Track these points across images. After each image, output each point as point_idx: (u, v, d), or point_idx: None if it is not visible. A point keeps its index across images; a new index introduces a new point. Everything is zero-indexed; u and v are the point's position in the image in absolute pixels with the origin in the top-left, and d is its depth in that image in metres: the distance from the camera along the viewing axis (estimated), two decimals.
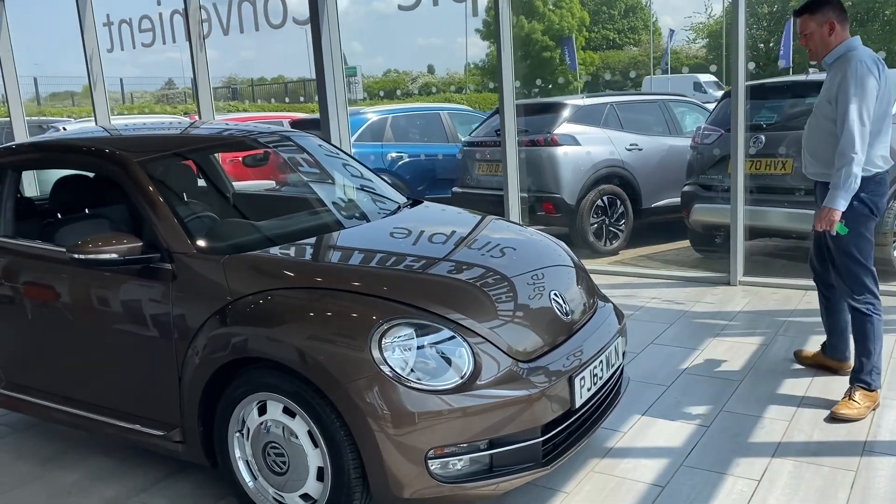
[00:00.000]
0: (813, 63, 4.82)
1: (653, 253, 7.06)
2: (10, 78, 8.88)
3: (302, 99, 21.89)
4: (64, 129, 9.79)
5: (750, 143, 5.76)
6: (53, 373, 3.28)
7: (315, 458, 2.53)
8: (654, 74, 26.97)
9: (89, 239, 2.81)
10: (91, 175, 3.62)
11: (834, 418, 3.28)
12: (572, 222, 6.86)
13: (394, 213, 3.59)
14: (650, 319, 4.82)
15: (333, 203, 3.81)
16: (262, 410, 2.62)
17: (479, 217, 3.66)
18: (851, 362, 3.54)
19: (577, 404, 2.69)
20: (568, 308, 2.90)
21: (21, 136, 8.97)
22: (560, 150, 6.81)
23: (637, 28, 39.48)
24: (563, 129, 6.91)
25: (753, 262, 5.88)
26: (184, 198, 3.38)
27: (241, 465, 2.73)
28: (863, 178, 3.18)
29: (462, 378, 2.47)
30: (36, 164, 4.31)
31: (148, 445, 3.00)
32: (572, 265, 3.29)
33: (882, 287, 3.48)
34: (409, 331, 2.48)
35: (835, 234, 3.24)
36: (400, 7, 6.44)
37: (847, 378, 3.47)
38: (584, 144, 6.89)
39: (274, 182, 8.07)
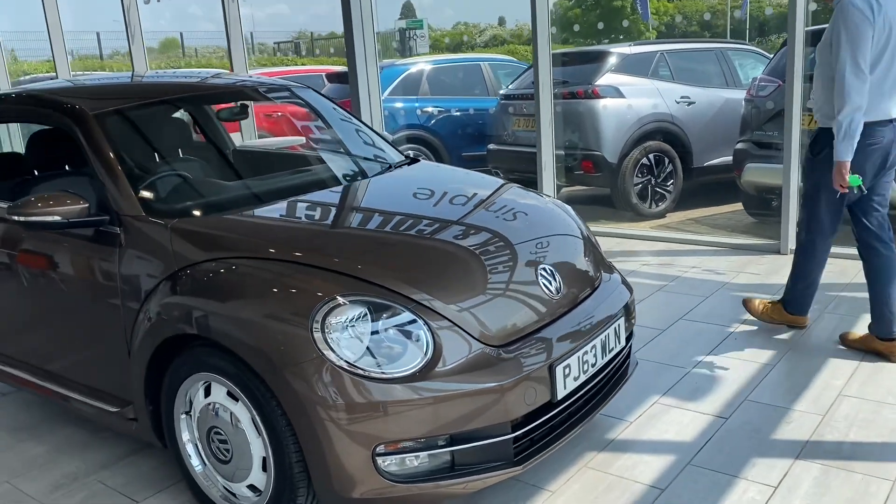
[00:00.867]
0: None
1: (702, 216, 6.54)
2: (55, 33, 8.83)
3: None
4: None
5: (809, 95, 5.16)
6: (18, 341, 3.12)
7: (258, 447, 2.27)
8: (730, 24, 25.56)
9: (32, 199, 2.58)
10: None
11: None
12: (614, 182, 6.39)
13: (381, 173, 3.26)
14: (685, 291, 4.39)
15: (316, 162, 3.51)
16: (209, 391, 2.38)
17: (477, 178, 3.30)
18: None
19: (559, 396, 2.35)
20: (558, 285, 2.54)
21: None
22: (601, 103, 6.31)
23: None
24: (605, 79, 6.40)
25: None
26: (150, 155, 3.13)
27: (190, 449, 2.50)
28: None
29: (419, 365, 2.15)
30: None
31: (104, 422, 2.81)
32: (574, 234, 2.91)
33: None
34: (361, 310, 2.17)
35: (847, 189, 3.11)
36: None
37: None
38: (629, 97, 6.37)
39: (298, 138, 7.85)
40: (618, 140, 6.30)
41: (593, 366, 2.50)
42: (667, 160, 6.50)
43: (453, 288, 2.33)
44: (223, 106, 3.67)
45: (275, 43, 28.65)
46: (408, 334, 2.19)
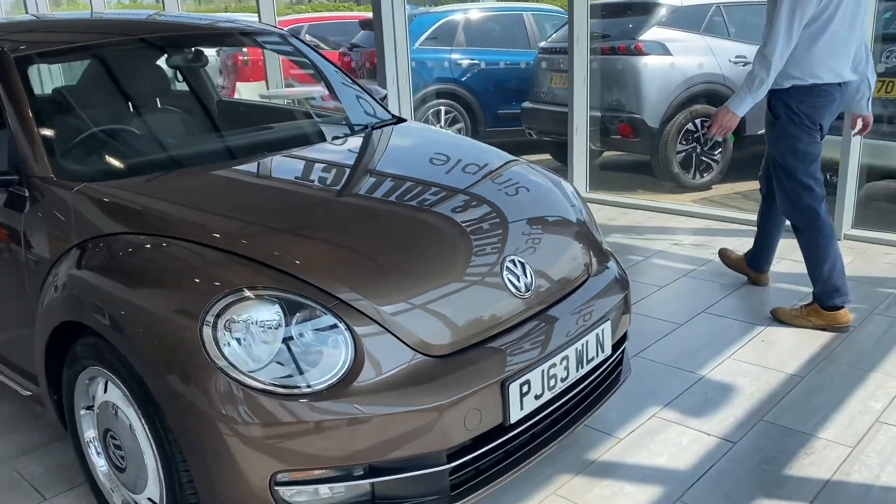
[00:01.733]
0: None
1: (752, 190, 5.90)
2: None
3: None
4: None
5: (881, 57, 4.52)
6: None
7: (151, 458, 1.93)
8: None
9: None
10: None
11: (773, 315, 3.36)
12: (654, 149, 5.81)
13: (352, 135, 2.84)
14: (714, 279, 3.88)
15: (276, 120, 3.10)
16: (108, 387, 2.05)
17: (462, 147, 2.86)
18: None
19: (513, 419, 1.94)
20: (529, 281, 2.10)
21: None
22: (644, 61, 5.70)
23: None
24: (651, 34, 5.77)
25: (869, 212, 4.71)
26: (90, 107, 2.76)
27: (93, 448, 2.19)
28: (797, 88, 3.03)
29: (334, 379, 1.77)
30: None
31: (25, 404, 2.53)
32: (564, 218, 2.45)
33: None
34: (270, 309, 1.78)
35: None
36: None
37: None
38: (677, 54, 5.74)
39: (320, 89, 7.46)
40: (660, 102, 5.70)
41: (563, 381, 2.08)
42: None
43: (391, 284, 1.92)
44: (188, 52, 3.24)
45: None
46: (326, 340, 1.80)
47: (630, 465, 2.40)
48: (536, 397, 1.99)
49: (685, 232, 4.70)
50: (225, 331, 1.75)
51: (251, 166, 2.48)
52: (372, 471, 1.80)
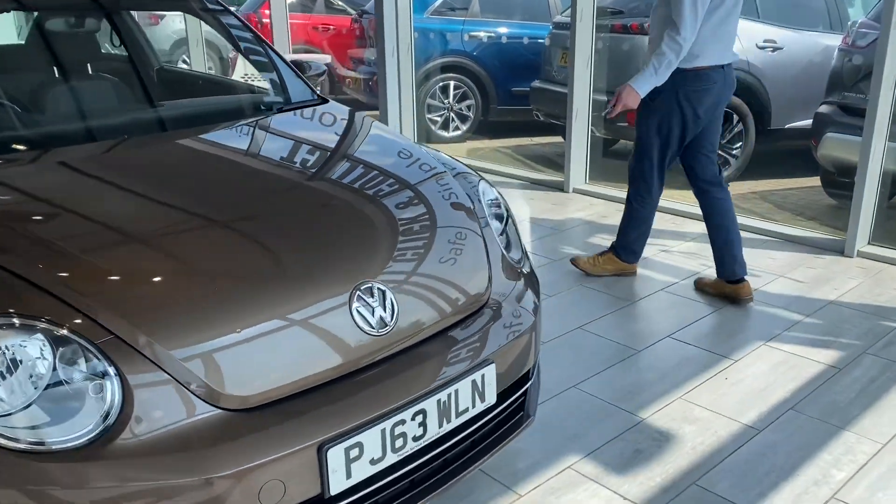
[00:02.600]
0: None
1: (771, 190, 5.37)
2: None
3: None
4: None
5: None
6: None
7: None
8: None
9: None
10: None
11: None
12: None
13: (241, 120, 2.49)
14: (693, 297, 3.43)
15: (182, 94, 2.75)
16: None
17: (355, 138, 2.48)
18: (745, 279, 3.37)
19: (336, 489, 1.58)
20: (388, 315, 1.73)
21: None
22: None
23: None
24: None
25: (890, 226, 4.17)
26: None
27: None
28: (681, 71, 3.04)
29: (90, 435, 1.43)
30: None
31: None
32: (458, 228, 2.05)
33: None
34: (21, 340, 1.45)
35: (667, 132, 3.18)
36: None
37: None
38: None
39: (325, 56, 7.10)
40: None
41: (418, 440, 1.71)
42: (735, 118, 5.33)
43: (189, 316, 1.56)
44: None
45: None
46: (85, 385, 1.45)
47: None
48: (373, 462, 1.62)
49: (681, 236, 4.23)
50: None
51: (84, 150, 2.14)
52: None
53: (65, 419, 1.44)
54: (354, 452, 1.58)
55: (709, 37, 3.01)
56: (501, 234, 2.21)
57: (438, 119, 6.98)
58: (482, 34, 6.97)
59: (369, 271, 1.76)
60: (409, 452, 1.70)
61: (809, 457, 2.29)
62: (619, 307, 3.32)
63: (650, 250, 3.98)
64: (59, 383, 1.45)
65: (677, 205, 4.65)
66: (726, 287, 3.35)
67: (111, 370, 1.45)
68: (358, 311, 1.69)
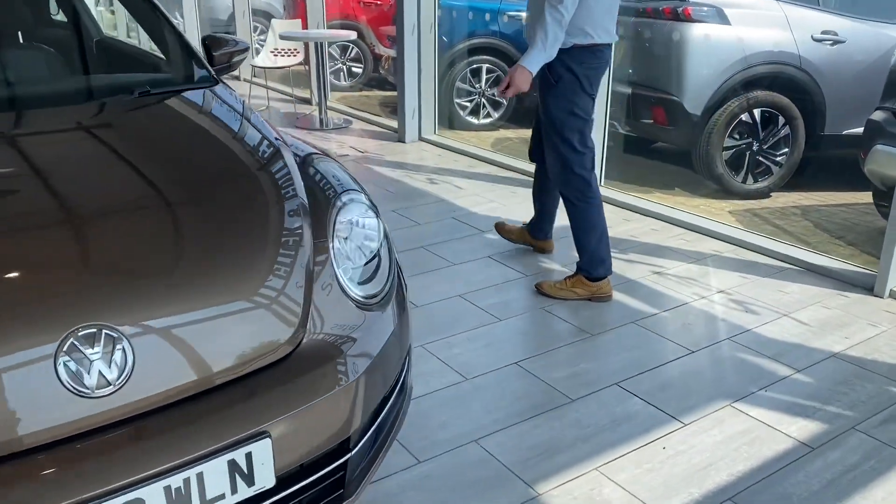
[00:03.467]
0: None
1: (816, 205, 4.69)
2: None
3: None
4: None
5: None
6: None
7: None
8: None
9: None
10: None
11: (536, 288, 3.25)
12: (693, 141, 4.69)
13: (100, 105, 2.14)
14: (665, 331, 2.91)
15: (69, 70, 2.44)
16: None
17: (202, 122, 2.10)
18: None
19: None
20: (117, 369, 1.35)
21: None
22: (691, 29, 4.54)
23: None
24: None
25: None
26: None
27: None
28: (579, 48, 2.91)
29: None
30: None
31: None
32: (264, 247, 1.64)
33: None
34: None
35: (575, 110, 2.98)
36: None
37: None
38: (737, 24, 4.54)
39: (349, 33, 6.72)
40: (707, 84, 4.54)
41: None
42: (781, 120, 4.66)
43: None
44: None
45: None
46: None
47: None
48: None
49: (684, 257, 3.66)
50: None
51: None
52: None
53: None
54: None
55: (602, 15, 2.91)
56: (360, 267, 1.80)
57: (468, 104, 6.53)
58: (518, 14, 6.45)
59: (102, 310, 1.39)
60: None
61: None
62: (574, 340, 2.84)
63: (638, 270, 3.45)
64: None
65: (694, 218, 4.07)
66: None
67: None
68: (66, 364, 1.32)
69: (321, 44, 6.33)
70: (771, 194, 4.81)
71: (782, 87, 4.59)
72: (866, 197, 4.44)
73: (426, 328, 2.92)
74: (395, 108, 6.23)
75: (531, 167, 4.96)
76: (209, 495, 1.40)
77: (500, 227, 3.73)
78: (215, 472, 1.39)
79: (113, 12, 10.13)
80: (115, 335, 1.36)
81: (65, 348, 1.32)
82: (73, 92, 2.33)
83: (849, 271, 3.43)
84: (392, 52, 7.34)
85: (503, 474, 2.11)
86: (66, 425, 1.31)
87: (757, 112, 4.60)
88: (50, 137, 1.97)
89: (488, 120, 6.60)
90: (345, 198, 1.92)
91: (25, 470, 1.26)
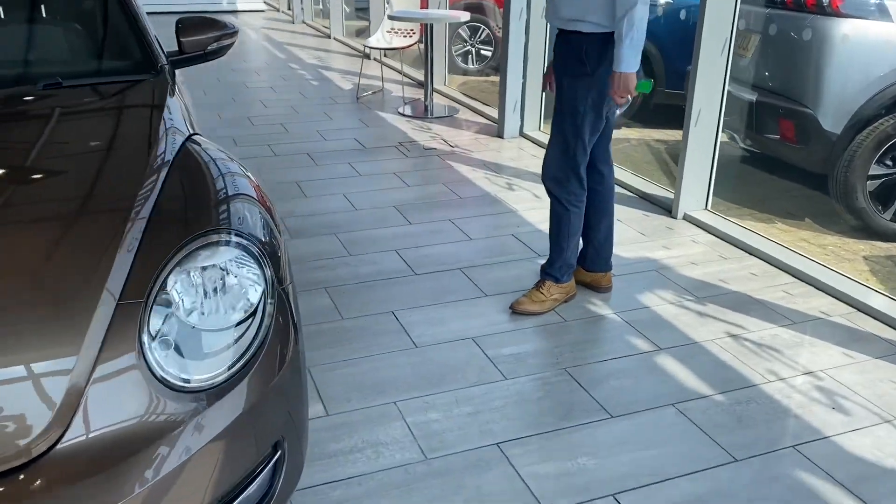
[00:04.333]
0: None
1: None
2: None
3: None
4: None
5: None
6: None
7: None
8: None
9: None
10: None
11: (515, 311, 2.85)
12: (829, 165, 3.80)
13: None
14: (722, 426, 2.24)
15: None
16: None
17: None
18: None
19: None
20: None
21: None
22: (841, 26, 3.64)
23: None
24: None
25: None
26: None
27: None
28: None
29: None
30: None
31: None
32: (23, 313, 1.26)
33: None
34: None
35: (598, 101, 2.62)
36: None
37: None
38: None
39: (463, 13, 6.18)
40: (852, 96, 3.64)
41: None
42: None
43: None
44: None
45: None
46: None
47: None
48: None
49: (778, 317, 2.90)
50: None
51: None
52: None
53: None
54: None
55: None
56: (196, 338, 1.38)
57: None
58: (659, 2, 5.67)
59: None
60: None
61: None
62: (585, 422, 2.25)
63: (708, 329, 2.76)
64: None
65: (809, 265, 3.26)
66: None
67: None
68: None
69: (431, 25, 5.90)
70: None
71: None
72: None
73: (410, 378, 2.45)
74: None
75: (637, 181, 4.30)
76: None
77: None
78: None
79: None
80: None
81: None
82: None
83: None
84: None
85: None
86: None
87: None
88: None
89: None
90: (202, 241, 1.48)
91: None
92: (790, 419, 2.29)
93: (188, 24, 2.33)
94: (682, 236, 3.61)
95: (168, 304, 1.38)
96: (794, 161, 4.08)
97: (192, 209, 1.56)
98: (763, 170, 4.75)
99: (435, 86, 6.57)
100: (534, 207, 3.94)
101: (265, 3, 13.41)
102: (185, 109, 2.07)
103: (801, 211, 4.19)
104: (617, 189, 4.20)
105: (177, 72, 2.29)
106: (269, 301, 1.51)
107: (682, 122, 3.67)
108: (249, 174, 1.87)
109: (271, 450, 1.49)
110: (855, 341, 2.73)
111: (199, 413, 1.32)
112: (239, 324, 1.45)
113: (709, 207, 3.83)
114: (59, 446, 1.20)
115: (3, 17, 2.51)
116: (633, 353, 2.62)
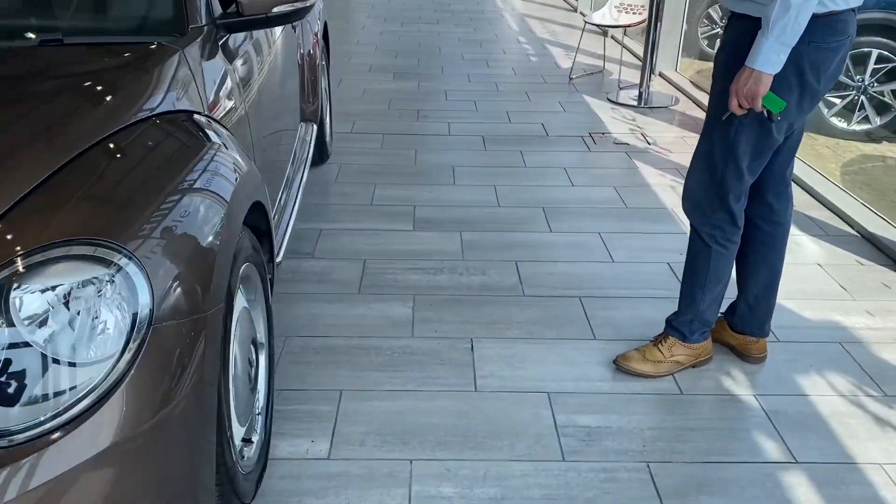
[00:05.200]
0: None
1: None
2: None
3: None
4: None
5: None
6: None
7: None
8: None
9: None
10: None
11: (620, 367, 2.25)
12: None
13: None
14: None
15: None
16: None
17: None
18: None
19: None
20: None
21: None
22: None
23: None
24: None
25: None
26: None
27: None
28: (814, 20, 1.79)
29: None
30: None
31: None
32: None
33: None
34: None
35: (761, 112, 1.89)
36: None
37: None
38: None
39: None
40: None
41: None
42: None
43: None
44: None
45: None
46: None
47: None
48: None
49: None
50: None
51: None
52: None
53: None
54: None
55: None
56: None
57: (837, 100, 4.78)
58: None
59: None
60: None
61: None
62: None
63: (832, 397, 1.95)
64: None
65: None
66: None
67: None
68: None
69: (656, 1, 5.15)
70: None
71: None
72: None
73: (446, 432, 1.98)
74: None
75: (866, 215, 3.30)
76: None
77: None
78: None
79: None
80: None
81: None
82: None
83: None
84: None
85: None
86: None
87: None
88: None
89: (864, 126, 4.77)
90: (61, 251, 1.16)
91: None
92: None
93: None
94: None
95: None
96: None
97: (66, 207, 1.24)
98: None
99: (662, 71, 5.80)
100: None
101: None
102: (214, 82, 1.77)
103: None
104: (834, 223, 3.29)
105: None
106: (133, 343, 1.15)
107: None
108: (238, 175, 1.53)
109: None
110: None
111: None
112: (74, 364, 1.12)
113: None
114: None
115: None
116: (754, 461, 1.91)
